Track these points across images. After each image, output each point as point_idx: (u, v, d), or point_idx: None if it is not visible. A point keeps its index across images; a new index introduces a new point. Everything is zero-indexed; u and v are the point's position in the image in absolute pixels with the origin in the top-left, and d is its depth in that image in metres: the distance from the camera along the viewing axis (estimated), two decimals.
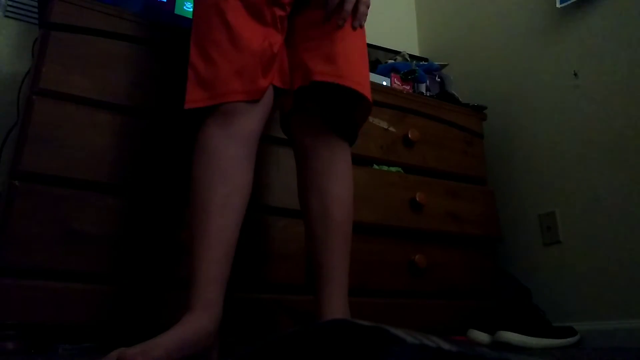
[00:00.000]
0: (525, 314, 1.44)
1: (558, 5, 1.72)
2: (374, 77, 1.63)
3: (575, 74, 1.66)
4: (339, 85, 1.01)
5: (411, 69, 1.75)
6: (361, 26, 1.09)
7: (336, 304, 0.98)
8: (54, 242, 1.04)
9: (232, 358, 0.50)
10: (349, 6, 1.04)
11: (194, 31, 1.02)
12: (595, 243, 1.52)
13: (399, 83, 1.71)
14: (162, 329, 0.80)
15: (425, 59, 2.07)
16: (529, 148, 1.79)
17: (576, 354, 1.14)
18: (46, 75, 1.11)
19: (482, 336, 1.40)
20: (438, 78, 1.83)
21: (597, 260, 1.51)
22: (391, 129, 1.56)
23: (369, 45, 1.18)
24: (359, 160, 1.39)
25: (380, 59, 1.95)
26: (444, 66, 1.97)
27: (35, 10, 1.57)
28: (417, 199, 1.49)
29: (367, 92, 1.05)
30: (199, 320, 0.83)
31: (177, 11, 1.40)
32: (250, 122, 0.97)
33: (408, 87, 1.72)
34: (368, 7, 1.09)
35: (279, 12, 1.03)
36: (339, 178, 1.06)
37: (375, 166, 1.52)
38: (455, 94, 1.77)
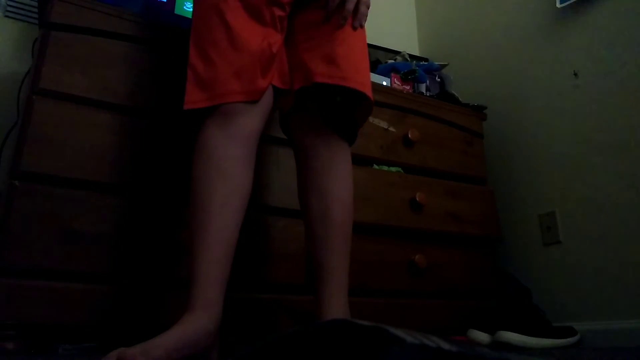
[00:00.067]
0: (525, 314, 1.44)
1: (558, 5, 1.72)
2: (374, 77, 1.63)
3: (575, 74, 1.66)
4: (343, 87, 1.01)
5: (411, 69, 1.75)
6: (361, 26, 1.09)
7: (336, 304, 0.98)
8: (54, 242, 1.04)
9: (232, 358, 0.50)
10: (350, 6, 1.04)
11: (193, 32, 1.02)
12: (595, 243, 1.52)
13: (399, 83, 1.71)
14: (162, 329, 0.80)
15: (425, 59, 2.07)
16: (529, 148, 1.79)
17: (576, 354, 1.14)
18: (46, 75, 1.11)
19: (482, 336, 1.40)
20: (438, 78, 1.83)
21: (597, 260, 1.51)
22: (391, 129, 1.55)
23: (369, 45, 1.18)
24: (359, 160, 1.39)
25: (380, 59, 1.95)
26: (444, 66, 1.97)
27: (35, 10, 1.57)
28: (417, 199, 1.49)
29: (369, 93, 1.05)
30: (199, 320, 0.83)
31: (177, 11, 1.40)
32: (249, 122, 0.97)
33: (408, 87, 1.72)
34: (368, 8, 1.09)
35: (279, 12, 1.03)
36: (339, 178, 1.06)
37: (375, 166, 1.52)
38: (455, 94, 1.77)
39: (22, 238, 1.01)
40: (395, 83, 1.70)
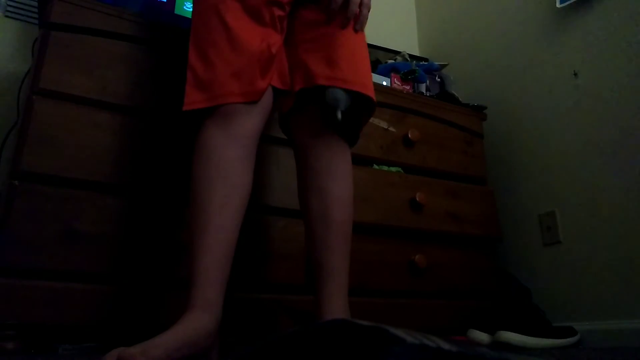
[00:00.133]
0: (525, 314, 1.44)
1: (558, 5, 1.72)
2: (374, 77, 1.63)
3: (575, 74, 1.66)
4: (346, 90, 1.01)
5: (411, 69, 1.75)
6: (362, 29, 1.09)
7: (336, 304, 0.98)
8: (54, 242, 1.04)
9: (232, 358, 0.50)
10: (353, 8, 1.04)
11: (192, 32, 1.02)
12: (595, 243, 1.52)
13: (399, 83, 1.71)
14: (162, 329, 0.80)
15: (425, 59, 2.08)
16: (529, 148, 1.79)
17: (576, 354, 1.14)
18: (46, 75, 1.11)
19: (482, 336, 1.40)
20: (438, 78, 1.83)
21: (597, 260, 1.51)
22: (391, 129, 1.56)
23: (369, 46, 1.18)
24: (359, 160, 1.39)
25: (380, 59, 1.95)
26: (444, 66, 1.97)
27: (35, 10, 1.57)
28: (417, 199, 1.49)
29: (372, 95, 1.05)
30: (199, 319, 0.83)
31: (177, 11, 1.40)
32: (249, 122, 0.97)
33: (408, 87, 1.72)
34: (369, 11, 1.09)
35: (278, 12, 1.03)
36: (339, 178, 1.06)
37: (375, 166, 1.52)
38: (455, 94, 1.77)
39: (22, 238, 1.02)
40: (395, 83, 1.70)
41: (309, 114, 1.08)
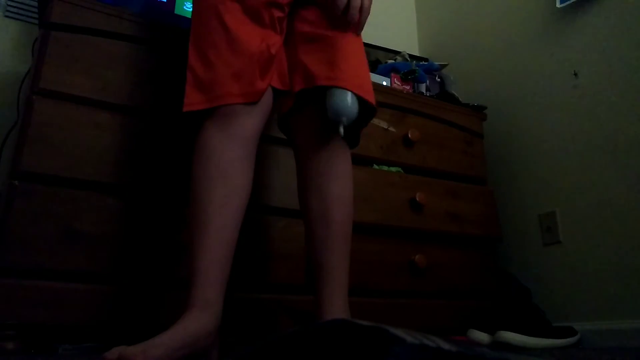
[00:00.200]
0: (525, 314, 1.44)
1: (558, 5, 1.72)
2: (374, 77, 1.63)
3: (575, 74, 1.66)
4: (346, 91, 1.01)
5: (411, 69, 1.75)
6: (359, 34, 1.09)
7: (336, 304, 0.98)
8: (54, 242, 1.04)
9: (232, 358, 0.50)
10: (354, 12, 1.04)
11: (192, 33, 1.02)
12: (595, 243, 1.52)
13: (399, 83, 1.71)
14: (162, 329, 0.80)
15: (425, 59, 2.07)
16: (529, 148, 1.79)
17: (576, 354, 1.14)
18: (46, 75, 1.11)
19: (482, 336, 1.40)
20: (438, 78, 1.83)
21: (597, 260, 1.51)
22: (391, 129, 1.56)
23: (369, 45, 1.18)
24: (359, 160, 1.39)
25: (380, 59, 1.95)
26: (444, 66, 1.97)
27: (35, 10, 1.57)
28: (417, 199, 1.49)
29: (371, 98, 1.05)
30: (199, 319, 0.83)
31: (177, 11, 1.40)
32: (249, 123, 0.97)
33: (408, 87, 1.72)
34: (368, 16, 1.09)
35: (278, 13, 1.03)
36: (339, 178, 1.06)
37: (375, 166, 1.52)
38: (455, 94, 1.77)
39: (22, 238, 1.02)
40: (395, 83, 1.70)
41: (309, 114, 1.08)
